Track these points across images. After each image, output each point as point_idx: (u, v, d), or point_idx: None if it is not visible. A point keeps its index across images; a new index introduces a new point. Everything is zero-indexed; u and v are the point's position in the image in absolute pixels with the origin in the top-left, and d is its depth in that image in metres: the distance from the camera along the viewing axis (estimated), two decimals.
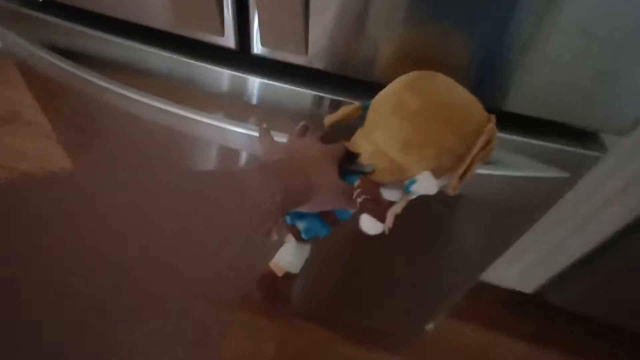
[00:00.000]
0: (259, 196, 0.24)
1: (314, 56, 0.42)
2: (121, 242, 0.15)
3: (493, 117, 0.32)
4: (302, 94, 0.45)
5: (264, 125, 0.39)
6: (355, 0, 0.37)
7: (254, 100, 0.48)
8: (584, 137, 0.43)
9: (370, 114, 0.35)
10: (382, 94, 0.34)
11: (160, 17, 0.44)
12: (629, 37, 0.33)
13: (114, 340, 0.12)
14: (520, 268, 0.88)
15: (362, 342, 0.99)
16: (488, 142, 0.31)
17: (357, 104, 0.38)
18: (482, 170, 0.43)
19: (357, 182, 0.34)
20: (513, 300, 1.07)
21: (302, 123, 0.40)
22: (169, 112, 0.46)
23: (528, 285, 0.94)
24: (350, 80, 0.43)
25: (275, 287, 0.38)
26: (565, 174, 0.44)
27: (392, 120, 0.32)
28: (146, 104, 0.47)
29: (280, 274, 0.38)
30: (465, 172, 0.31)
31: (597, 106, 0.39)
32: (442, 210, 0.55)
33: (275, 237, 0.40)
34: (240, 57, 0.45)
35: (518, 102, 0.41)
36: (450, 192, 0.33)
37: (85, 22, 0.50)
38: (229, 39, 0.43)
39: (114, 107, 0.49)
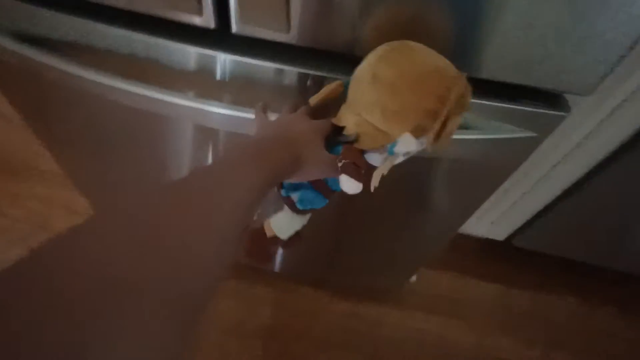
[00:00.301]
0: (242, 181, 0.26)
1: (296, 33, 0.42)
2: (110, 230, 0.16)
3: (464, 74, 0.34)
4: (288, 72, 0.45)
5: (260, 103, 0.40)
6: None
7: (235, 79, 0.48)
8: (550, 98, 0.47)
9: (351, 89, 0.37)
10: (360, 68, 0.36)
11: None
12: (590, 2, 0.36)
13: (92, 316, 0.13)
14: (492, 218, 0.96)
15: (350, 298, 1.07)
16: (462, 97, 0.34)
17: (338, 81, 0.40)
18: (457, 135, 0.46)
19: (340, 151, 0.37)
20: (483, 247, 1.16)
21: (292, 102, 0.41)
22: (161, 100, 0.46)
23: (499, 233, 1.02)
24: (332, 55, 0.44)
25: (261, 243, 0.41)
26: (533, 134, 0.48)
27: (370, 92, 0.34)
28: (139, 94, 0.46)
29: (269, 235, 0.41)
30: (442, 128, 0.34)
31: (563, 69, 0.41)
32: (423, 172, 0.59)
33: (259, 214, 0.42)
34: (219, 36, 0.44)
35: (487, 68, 0.43)
36: (429, 148, 0.35)
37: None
38: (208, 19, 0.42)
39: (102, 97, 0.48)
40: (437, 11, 0.39)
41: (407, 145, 0.35)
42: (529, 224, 0.95)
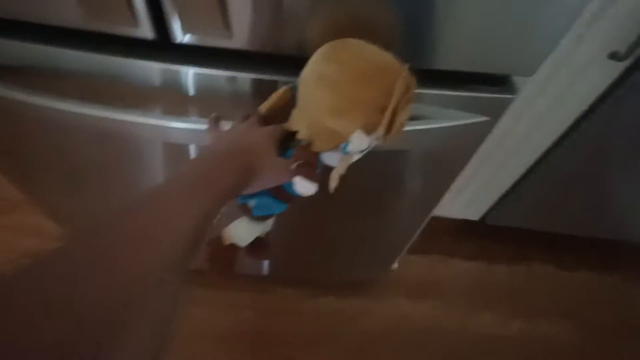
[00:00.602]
0: (191, 203, 0.26)
1: (240, 38, 0.41)
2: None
3: (407, 65, 0.34)
4: (240, 79, 0.44)
5: (213, 115, 0.40)
6: None
7: (190, 91, 0.47)
8: (497, 82, 0.48)
9: (300, 92, 0.37)
10: (305, 71, 0.36)
11: (67, 15, 0.41)
12: None
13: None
14: (465, 200, 0.98)
15: (332, 294, 1.07)
16: (407, 89, 0.34)
17: (285, 87, 0.39)
18: (413, 127, 0.47)
19: (292, 154, 0.36)
20: (461, 228, 1.19)
21: (243, 111, 0.40)
22: (104, 117, 0.44)
23: (474, 213, 1.05)
24: (282, 58, 0.43)
25: (220, 252, 0.40)
26: (486, 118, 0.49)
27: (317, 93, 0.34)
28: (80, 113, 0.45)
29: (225, 243, 0.40)
30: (391, 121, 0.34)
31: (508, 53, 0.42)
32: (386, 165, 0.59)
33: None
34: (163, 47, 0.43)
35: (434, 59, 0.43)
36: (382, 142, 0.36)
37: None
38: (145, 30, 0.41)
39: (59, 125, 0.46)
40: (382, 5, 0.39)
41: (359, 143, 0.35)
42: (500, 201, 0.98)
